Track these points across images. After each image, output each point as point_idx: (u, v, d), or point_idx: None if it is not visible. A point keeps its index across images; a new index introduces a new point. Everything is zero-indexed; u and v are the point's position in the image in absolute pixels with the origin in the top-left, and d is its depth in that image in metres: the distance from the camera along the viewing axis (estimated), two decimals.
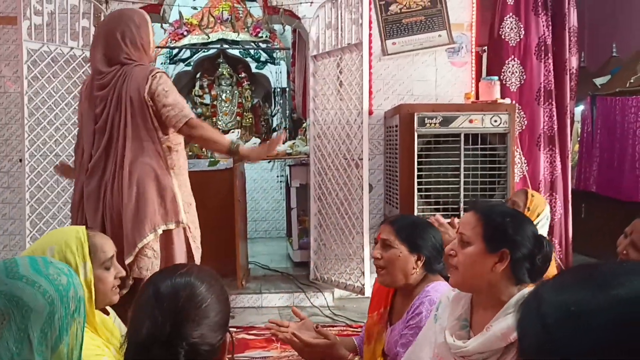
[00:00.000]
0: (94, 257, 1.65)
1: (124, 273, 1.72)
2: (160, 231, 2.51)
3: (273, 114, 7.05)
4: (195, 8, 6.34)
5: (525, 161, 4.72)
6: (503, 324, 1.45)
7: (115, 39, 2.58)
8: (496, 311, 1.50)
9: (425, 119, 3.94)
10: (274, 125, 7.04)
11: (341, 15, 4.37)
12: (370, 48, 4.55)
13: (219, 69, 6.76)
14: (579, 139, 6.48)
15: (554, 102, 4.75)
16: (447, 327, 1.61)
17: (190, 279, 1.19)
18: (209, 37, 5.80)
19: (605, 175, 5.92)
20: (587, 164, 6.21)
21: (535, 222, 3.09)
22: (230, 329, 3.21)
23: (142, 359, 1.11)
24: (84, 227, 1.70)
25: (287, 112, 6.67)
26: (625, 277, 0.59)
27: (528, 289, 1.50)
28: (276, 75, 6.93)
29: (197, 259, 2.67)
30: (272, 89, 7.00)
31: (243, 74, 6.98)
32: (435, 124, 3.94)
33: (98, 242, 1.68)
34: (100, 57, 2.60)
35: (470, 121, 3.92)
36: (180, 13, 4.95)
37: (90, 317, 1.63)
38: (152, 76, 2.52)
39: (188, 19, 6.15)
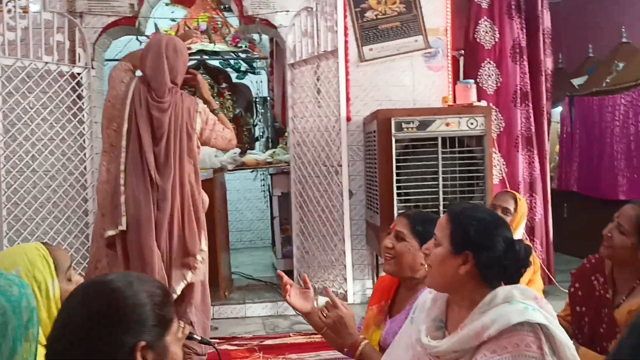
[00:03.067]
0: (59, 271, 1.62)
1: (82, 280, 1.70)
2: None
3: (255, 123, 7.04)
4: (173, 20, 6.33)
5: (504, 163, 4.75)
6: (476, 324, 1.46)
7: (176, 65, 3.03)
8: (470, 311, 1.51)
9: (403, 123, 3.95)
10: (257, 134, 7.02)
11: (317, 23, 4.39)
12: (347, 55, 4.56)
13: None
14: (559, 139, 6.54)
15: (530, 104, 4.78)
16: (423, 327, 1.61)
17: (103, 282, 1.16)
18: (190, 49, 5.80)
19: (585, 174, 5.98)
20: (568, 164, 6.26)
21: (521, 225, 3.13)
22: (213, 340, 3.18)
23: None
24: (41, 243, 1.67)
25: (269, 121, 6.67)
26: None
27: (502, 289, 1.51)
28: (257, 84, 6.93)
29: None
30: (254, 99, 6.99)
31: (224, 84, 6.95)
32: (412, 128, 3.96)
33: (58, 255, 1.65)
34: (163, 80, 2.98)
35: (447, 124, 3.94)
36: (155, 25, 4.94)
37: None
38: (198, 112, 3.09)
39: (167, 31, 6.13)
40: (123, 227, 2.90)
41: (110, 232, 2.91)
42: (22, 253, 1.61)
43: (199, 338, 1.86)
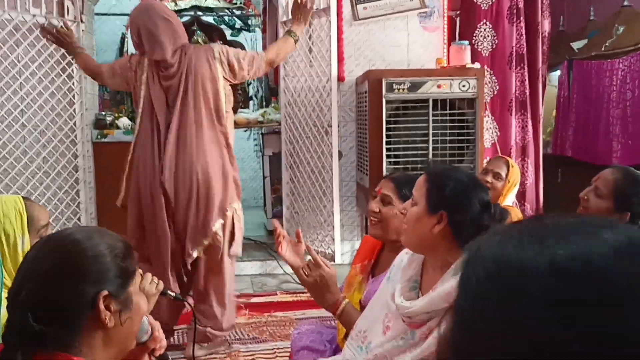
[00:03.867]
0: (31, 227, 1.63)
1: None
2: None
3: (249, 82, 6.97)
4: None
5: (497, 126, 4.71)
6: (447, 285, 1.46)
7: (171, 32, 2.87)
8: (444, 272, 1.52)
9: (394, 84, 3.91)
10: (251, 93, 6.97)
11: None
12: (340, 13, 4.49)
13: (194, 37, 6.65)
14: (556, 103, 6.47)
15: (526, 67, 4.72)
16: (398, 287, 1.63)
17: (62, 236, 1.18)
18: (177, 5, 5.72)
19: (580, 139, 5.93)
20: (563, 128, 6.21)
21: (512, 192, 3.13)
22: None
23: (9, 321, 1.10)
24: (21, 197, 1.67)
25: (263, 80, 6.60)
26: (567, 235, 0.54)
27: None
28: (251, 42, 6.83)
29: None
30: None
31: (219, 42, 6.89)
32: (403, 89, 3.91)
33: (35, 211, 1.66)
34: (164, 51, 2.83)
35: (439, 86, 3.90)
36: None
37: None
38: (215, 58, 2.89)
39: None
40: (119, 202, 2.98)
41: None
42: None
43: (173, 295, 1.87)
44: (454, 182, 1.56)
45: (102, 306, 1.11)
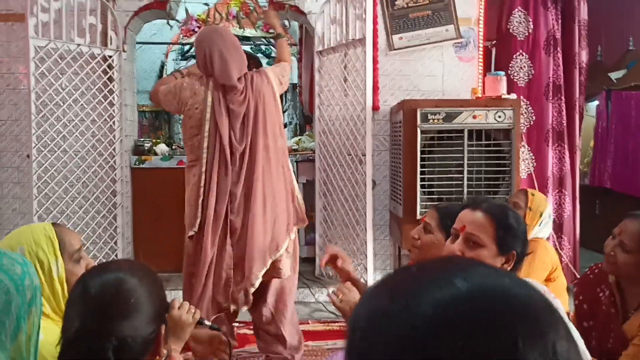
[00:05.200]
0: (64, 252, 1.65)
1: (93, 263, 1.74)
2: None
3: (284, 109, 7.06)
4: (207, 4, 6.36)
5: (533, 157, 4.65)
6: None
7: (238, 58, 2.90)
8: None
9: (429, 114, 3.91)
10: (285, 121, 7.04)
11: (346, 11, 4.36)
12: (376, 43, 4.53)
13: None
14: (594, 134, 6.38)
15: (563, 97, 4.66)
16: None
17: (119, 274, 1.20)
18: None
19: (619, 171, 5.83)
20: (602, 159, 6.11)
21: (539, 222, 3.08)
22: (234, 324, 3.23)
23: (72, 356, 1.13)
24: (50, 223, 1.71)
25: (298, 107, 6.67)
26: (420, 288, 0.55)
27: None
28: None
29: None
30: None
31: (254, 70, 7.00)
32: (438, 119, 3.91)
33: (66, 236, 1.69)
34: (232, 75, 2.84)
35: (474, 117, 3.88)
36: (186, 9, 4.98)
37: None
38: (269, 78, 2.99)
39: (200, 15, 6.18)
40: (196, 228, 2.89)
41: (190, 234, 2.93)
42: (28, 232, 1.66)
43: (209, 324, 1.89)
44: (516, 218, 1.57)
45: (162, 338, 1.21)
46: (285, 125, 6.97)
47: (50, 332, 1.42)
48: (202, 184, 2.88)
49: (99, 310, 1.14)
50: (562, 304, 2.64)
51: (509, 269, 1.53)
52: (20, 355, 1.15)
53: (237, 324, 3.72)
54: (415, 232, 2.05)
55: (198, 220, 2.88)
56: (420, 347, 0.50)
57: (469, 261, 0.60)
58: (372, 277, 4.25)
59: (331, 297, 1.89)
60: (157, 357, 1.24)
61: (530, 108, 4.65)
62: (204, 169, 2.88)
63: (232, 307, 2.93)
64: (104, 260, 4.33)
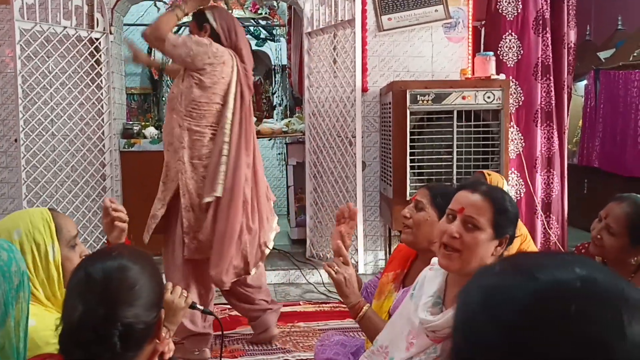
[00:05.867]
0: (60, 237, 1.65)
1: (87, 251, 1.74)
2: None
3: (274, 91, 7.03)
4: None
5: (522, 137, 4.68)
6: None
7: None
8: None
9: (418, 96, 3.91)
10: (275, 102, 7.02)
11: None
12: (365, 24, 4.51)
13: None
14: (582, 113, 6.40)
15: (551, 77, 4.67)
16: (421, 303, 1.63)
17: (122, 261, 1.21)
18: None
19: (607, 150, 5.86)
20: (590, 139, 6.15)
21: None
22: (226, 305, 3.29)
23: (75, 341, 1.14)
24: (46, 208, 1.71)
25: (288, 89, 6.64)
26: (547, 266, 0.64)
27: None
28: (276, 52, 6.89)
29: None
30: (273, 66, 6.97)
31: None
32: (427, 100, 3.92)
33: (62, 221, 1.68)
34: (251, 57, 3.13)
35: (463, 98, 3.89)
36: None
37: (59, 296, 1.65)
38: None
39: None
40: (218, 193, 2.95)
41: (208, 199, 2.96)
42: (26, 215, 1.65)
43: (201, 308, 1.89)
44: (512, 203, 1.58)
45: (162, 322, 1.25)
46: (274, 107, 6.97)
47: (41, 318, 1.43)
48: (226, 153, 2.96)
49: (105, 297, 1.16)
50: None
51: (501, 251, 1.54)
52: (9, 341, 1.16)
53: (227, 306, 3.75)
54: (407, 211, 2.04)
55: (220, 187, 2.95)
56: (539, 313, 0.59)
57: (585, 257, 0.70)
58: (362, 258, 4.29)
59: (326, 268, 1.94)
60: (157, 341, 1.26)
61: (519, 88, 4.66)
62: (227, 139, 2.97)
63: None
64: (96, 245, 4.33)
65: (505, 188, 3.03)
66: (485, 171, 3.14)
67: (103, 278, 1.18)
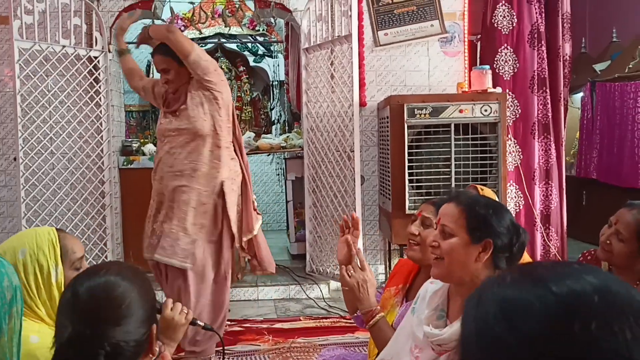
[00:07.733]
0: (65, 259, 1.65)
1: None
2: None
3: (272, 107, 7.06)
4: (192, 2, 6.34)
5: (520, 150, 4.69)
6: None
7: None
8: None
9: (415, 109, 3.93)
10: (273, 118, 7.04)
11: (331, 7, 4.37)
12: (362, 39, 4.55)
13: (217, 63, 6.76)
14: (579, 125, 6.43)
15: (548, 90, 4.71)
16: (424, 317, 1.63)
17: (110, 278, 1.20)
18: (202, 33, 5.83)
19: (605, 161, 5.89)
20: (588, 150, 6.17)
21: None
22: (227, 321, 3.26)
23: None
24: (54, 228, 1.71)
25: (286, 104, 6.67)
26: (561, 276, 0.65)
27: None
28: (274, 68, 6.92)
29: None
30: (271, 82, 7.00)
31: (241, 68, 6.99)
32: (425, 114, 3.93)
33: (69, 243, 1.68)
34: None
35: (461, 111, 3.91)
36: (171, 9, 4.96)
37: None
38: None
39: (185, 14, 6.16)
40: (256, 232, 3.27)
41: (249, 237, 3.26)
42: (32, 235, 1.65)
43: (202, 324, 1.89)
44: (492, 208, 1.58)
45: (154, 338, 1.23)
46: (273, 123, 6.99)
47: (45, 335, 1.43)
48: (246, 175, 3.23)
49: (91, 317, 1.15)
50: None
51: (486, 257, 1.53)
52: (3, 356, 1.15)
53: (228, 322, 3.74)
54: (415, 228, 2.04)
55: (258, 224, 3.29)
56: (561, 324, 0.60)
57: (594, 267, 0.71)
58: None
59: (342, 271, 1.94)
60: (150, 356, 1.24)
61: (515, 101, 4.69)
62: (239, 161, 3.20)
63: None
64: (95, 263, 4.32)
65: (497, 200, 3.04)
66: (478, 186, 3.14)
67: (89, 298, 1.17)
